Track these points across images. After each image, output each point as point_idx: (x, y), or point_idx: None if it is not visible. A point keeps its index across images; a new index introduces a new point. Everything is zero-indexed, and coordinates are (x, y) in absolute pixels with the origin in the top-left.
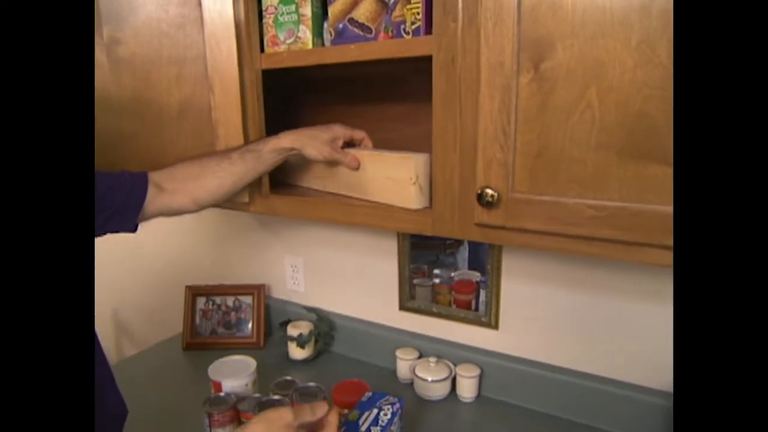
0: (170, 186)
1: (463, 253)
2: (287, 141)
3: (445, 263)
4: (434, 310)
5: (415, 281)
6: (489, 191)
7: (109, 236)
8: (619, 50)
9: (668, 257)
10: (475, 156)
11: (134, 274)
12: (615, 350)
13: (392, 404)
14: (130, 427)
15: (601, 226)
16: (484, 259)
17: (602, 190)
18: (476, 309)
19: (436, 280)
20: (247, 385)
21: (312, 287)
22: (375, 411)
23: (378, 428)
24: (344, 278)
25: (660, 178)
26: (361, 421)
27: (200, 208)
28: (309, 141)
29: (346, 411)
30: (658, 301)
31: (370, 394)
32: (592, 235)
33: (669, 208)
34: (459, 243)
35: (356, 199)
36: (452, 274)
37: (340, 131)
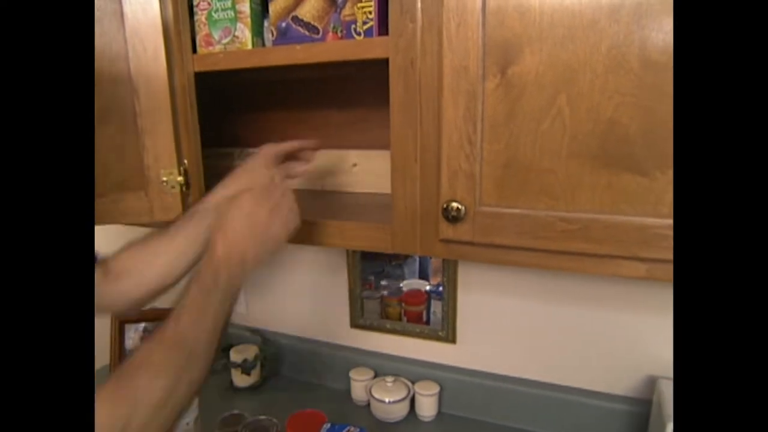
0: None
1: (412, 265)
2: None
3: (392, 275)
4: (388, 326)
5: (363, 294)
6: (455, 204)
7: None
8: (590, 55)
9: (642, 269)
10: (439, 167)
11: None
12: (575, 358)
13: None
14: None
15: (574, 239)
16: (427, 266)
17: (574, 201)
18: (427, 321)
19: (384, 292)
20: (188, 423)
21: (254, 307)
22: None
23: None
24: (290, 296)
25: (633, 188)
26: None
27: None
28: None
29: None
30: (618, 308)
31: (329, 425)
32: (564, 249)
33: (643, 219)
34: (406, 255)
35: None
36: (401, 285)
37: (268, 157)
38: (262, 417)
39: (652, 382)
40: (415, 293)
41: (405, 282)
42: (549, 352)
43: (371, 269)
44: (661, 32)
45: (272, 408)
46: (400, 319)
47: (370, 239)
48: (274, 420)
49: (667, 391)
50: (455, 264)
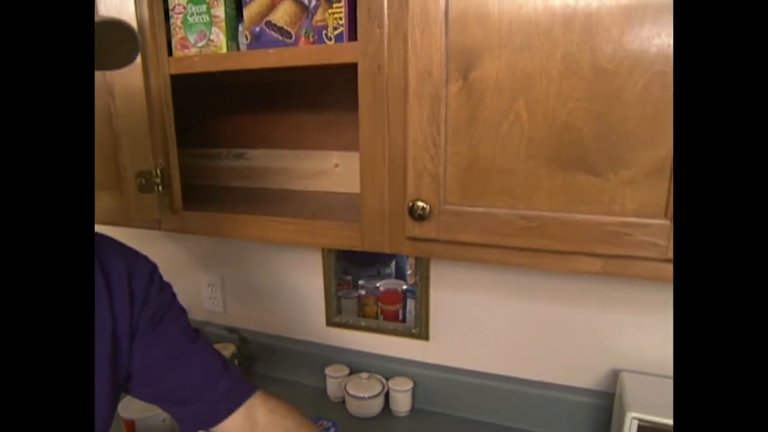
0: None
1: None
2: None
3: (385, 276)
4: (363, 324)
5: (340, 293)
6: (420, 204)
7: None
8: (545, 62)
9: (598, 264)
10: (405, 168)
11: None
12: (542, 353)
13: (326, 430)
14: None
15: (533, 236)
16: (404, 266)
17: (533, 200)
18: (403, 319)
19: (362, 292)
20: (164, 420)
21: (232, 306)
22: None
23: None
24: (267, 295)
25: (587, 188)
26: None
27: None
28: None
29: None
30: (583, 304)
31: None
32: (524, 245)
33: (597, 217)
34: (393, 257)
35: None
36: (377, 285)
37: None
38: None
39: (615, 375)
40: (392, 293)
41: (382, 282)
42: (518, 348)
43: (366, 273)
44: (611, 42)
45: None
46: (377, 318)
47: (341, 237)
48: None
49: (628, 383)
50: (427, 262)
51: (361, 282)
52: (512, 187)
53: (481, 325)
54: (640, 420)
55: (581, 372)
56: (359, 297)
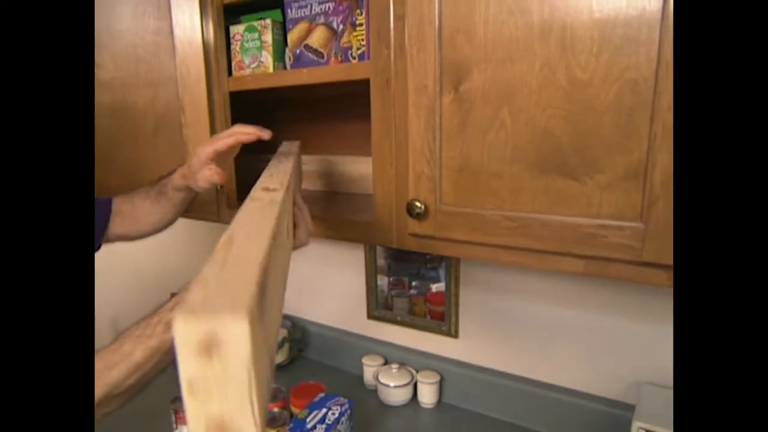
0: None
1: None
2: (177, 177)
3: (426, 276)
4: (399, 319)
5: (394, 292)
6: (417, 203)
7: (105, 246)
8: (525, 74)
9: (580, 265)
10: (407, 171)
11: (131, 283)
12: (569, 359)
13: (341, 405)
14: (99, 423)
15: (517, 236)
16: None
17: (517, 202)
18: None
19: (413, 292)
20: None
21: (288, 295)
22: (323, 410)
23: (324, 426)
24: (318, 287)
25: (566, 191)
26: (308, 419)
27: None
28: (190, 172)
29: (297, 410)
30: (612, 313)
31: (323, 395)
32: (509, 244)
33: (576, 219)
34: (441, 258)
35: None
36: (431, 286)
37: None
38: (273, 385)
39: (640, 387)
40: (440, 294)
41: (435, 285)
42: (543, 352)
43: (407, 270)
44: (584, 53)
45: (294, 384)
46: (425, 317)
47: (361, 233)
48: (282, 388)
49: (646, 394)
50: (457, 263)
51: (414, 283)
52: (498, 189)
53: (509, 326)
54: (646, 430)
55: (606, 381)
56: (410, 297)
